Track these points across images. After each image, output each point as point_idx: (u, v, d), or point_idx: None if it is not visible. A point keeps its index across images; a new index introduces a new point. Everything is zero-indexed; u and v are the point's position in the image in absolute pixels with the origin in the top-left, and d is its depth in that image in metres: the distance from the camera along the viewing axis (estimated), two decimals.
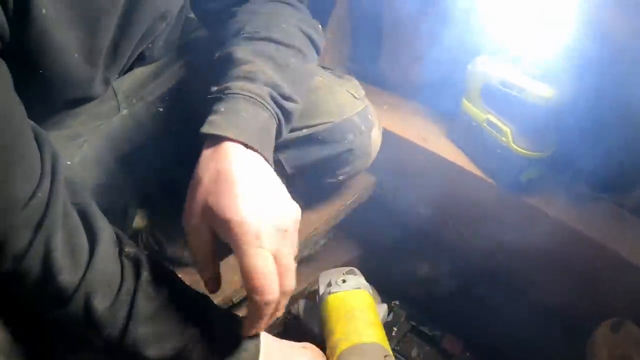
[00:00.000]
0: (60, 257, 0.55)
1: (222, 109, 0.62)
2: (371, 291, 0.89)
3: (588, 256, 0.91)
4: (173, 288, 0.63)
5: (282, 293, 0.58)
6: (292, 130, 0.80)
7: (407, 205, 1.11)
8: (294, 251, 0.61)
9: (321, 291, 0.86)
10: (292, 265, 0.60)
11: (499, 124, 0.92)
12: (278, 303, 0.59)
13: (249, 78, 0.65)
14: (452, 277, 1.14)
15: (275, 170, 0.73)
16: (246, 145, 0.61)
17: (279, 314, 0.62)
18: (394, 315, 1.04)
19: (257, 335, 0.66)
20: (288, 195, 0.62)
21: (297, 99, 0.70)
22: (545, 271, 0.99)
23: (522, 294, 1.02)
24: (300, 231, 1.07)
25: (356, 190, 1.07)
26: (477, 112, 0.96)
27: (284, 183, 0.64)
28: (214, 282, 0.63)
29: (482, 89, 0.94)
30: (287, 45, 0.72)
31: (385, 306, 0.92)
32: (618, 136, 0.88)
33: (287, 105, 0.68)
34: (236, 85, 0.64)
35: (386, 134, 1.03)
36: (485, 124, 0.95)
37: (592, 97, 0.87)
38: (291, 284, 0.60)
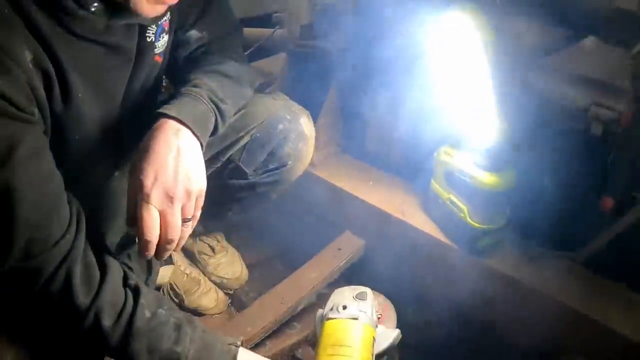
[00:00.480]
0: (78, 284, 0.71)
1: (171, 102, 0.82)
2: (375, 318, 0.91)
3: (542, 307, 1.07)
4: (164, 311, 0.77)
5: (165, 241, 0.75)
6: (238, 140, 1.02)
7: (391, 263, 1.27)
8: (186, 214, 0.77)
9: (325, 311, 0.92)
10: (175, 224, 0.75)
11: (458, 202, 1.13)
12: (159, 248, 0.76)
13: (195, 85, 0.87)
14: (437, 323, 1.24)
15: (237, 174, 0.98)
16: (182, 123, 0.78)
17: (163, 255, 0.77)
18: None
19: (235, 352, 0.81)
20: (199, 171, 0.79)
21: (230, 103, 0.90)
22: (509, 320, 1.15)
23: (493, 337, 1.17)
24: (302, 288, 1.28)
25: (349, 253, 1.29)
26: (442, 191, 1.17)
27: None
28: (132, 220, 0.77)
29: (445, 173, 1.15)
30: (230, 75, 0.92)
31: (397, 331, 0.93)
32: (560, 203, 1.05)
33: (222, 105, 0.87)
34: (184, 90, 0.85)
35: (372, 208, 1.25)
36: (448, 202, 1.16)
37: (534, 177, 1.07)
38: (171, 237, 0.76)
